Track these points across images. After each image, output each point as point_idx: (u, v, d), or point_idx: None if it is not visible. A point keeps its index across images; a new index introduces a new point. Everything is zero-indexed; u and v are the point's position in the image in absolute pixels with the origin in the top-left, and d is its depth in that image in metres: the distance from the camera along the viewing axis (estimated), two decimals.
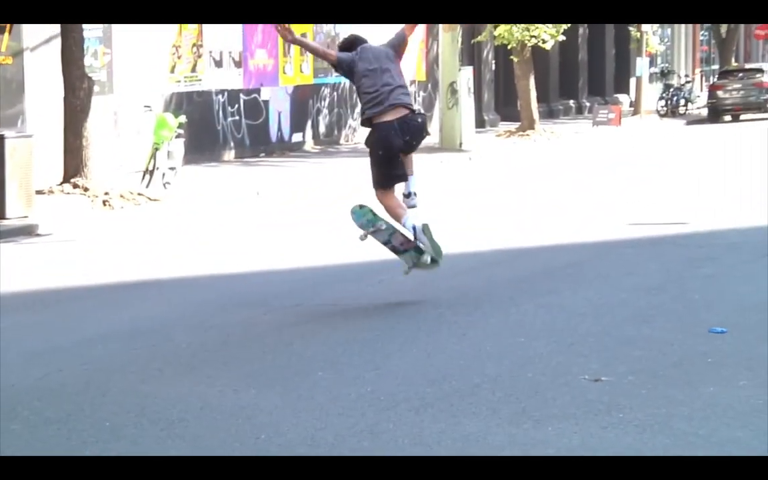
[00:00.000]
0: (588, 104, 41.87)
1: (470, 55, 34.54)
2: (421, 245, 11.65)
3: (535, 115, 32.88)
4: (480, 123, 34.00)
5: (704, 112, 40.99)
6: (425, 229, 11.50)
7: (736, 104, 39.63)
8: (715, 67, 47.07)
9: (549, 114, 39.18)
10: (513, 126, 33.63)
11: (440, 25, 29.66)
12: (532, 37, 31.65)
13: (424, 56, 33.84)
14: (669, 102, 41.25)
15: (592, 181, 22.75)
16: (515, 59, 32.61)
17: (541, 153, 29.50)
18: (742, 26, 49.01)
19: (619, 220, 16.75)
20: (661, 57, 46.99)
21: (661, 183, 21.87)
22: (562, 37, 32.91)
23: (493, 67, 37.34)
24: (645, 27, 38.83)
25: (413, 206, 11.73)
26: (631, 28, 40.59)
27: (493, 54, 36.89)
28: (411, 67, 33.33)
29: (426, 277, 12.63)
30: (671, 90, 41.85)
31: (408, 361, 9.26)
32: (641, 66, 39.60)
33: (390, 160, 11.59)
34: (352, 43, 12.10)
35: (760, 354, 9.20)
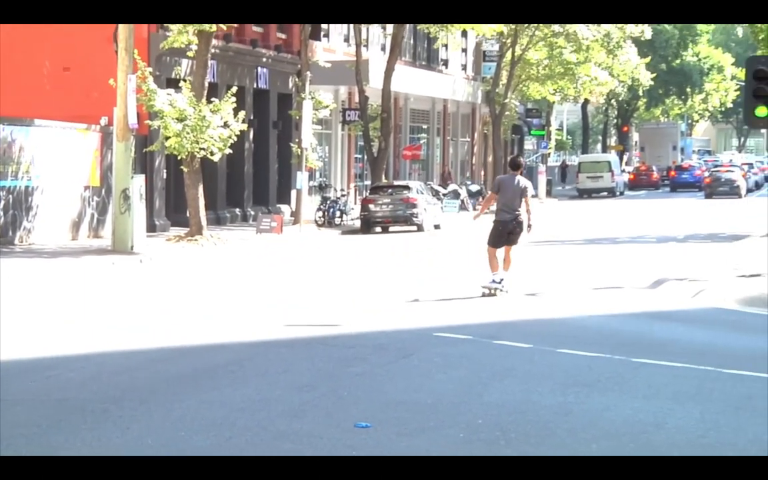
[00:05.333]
0: (253, 213, 42.12)
1: (143, 163, 34.25)
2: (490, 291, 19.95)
3: (203, 221, 32.83)
4: (151, 227, 33.65)
5: (357, 223, 41.93)
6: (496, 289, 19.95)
7: (386, 217, 40.71)
8: (368, 182, 48.34)
9: (216, 221, 39.21)
10: (183, 231, 33.45)
11: (114, 135, 29.34)
12: (201, 149, 31.70)
13: (99, 163, 33.34)
14: (326, 213, 42.02)
15: (254, 284, 22.88)
16: (185, 169, 32.58)
17: (208, 257, 29.49)
18: (392, 147, 50.57)
19: (278, 321, 16.85)
20: (319, 172, 47.90)
21: (315, 287, 22.18)
22: (228, 151, 33.11)
23: (165, 175, 37.15)
24: (305, 144, 39.55)
25: (497, 287, 19.93)
26: (292, 145, 41.25)
27: (164, 163, 36.73)
28: (85, 173, 32.78)
29: (91, 374, 12.41)
30: (328, 202, 42.66)
31: (71, 455, 9.01)
32: (301, 179, 40.23)
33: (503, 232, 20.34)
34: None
35: (399, 448, 9.44)
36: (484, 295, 19.91)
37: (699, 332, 16.91)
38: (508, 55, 60.50)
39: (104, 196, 33.27)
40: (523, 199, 20.25)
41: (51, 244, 30.02)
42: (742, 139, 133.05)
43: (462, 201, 52.13)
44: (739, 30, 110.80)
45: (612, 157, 79.84)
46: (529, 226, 20.46)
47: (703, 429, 10.23)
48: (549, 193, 67.33)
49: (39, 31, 35.47)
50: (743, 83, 24.27)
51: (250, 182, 43.49)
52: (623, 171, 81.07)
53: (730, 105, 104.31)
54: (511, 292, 20.11)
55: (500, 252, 20.39)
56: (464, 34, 60.06)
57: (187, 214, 33.55)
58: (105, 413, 10.57)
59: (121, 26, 29.04)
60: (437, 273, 24.99)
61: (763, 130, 28.12)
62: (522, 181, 20.57)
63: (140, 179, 29.77)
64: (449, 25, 49.56)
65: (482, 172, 69.11)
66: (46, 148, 31.12)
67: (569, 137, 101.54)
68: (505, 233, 20.32)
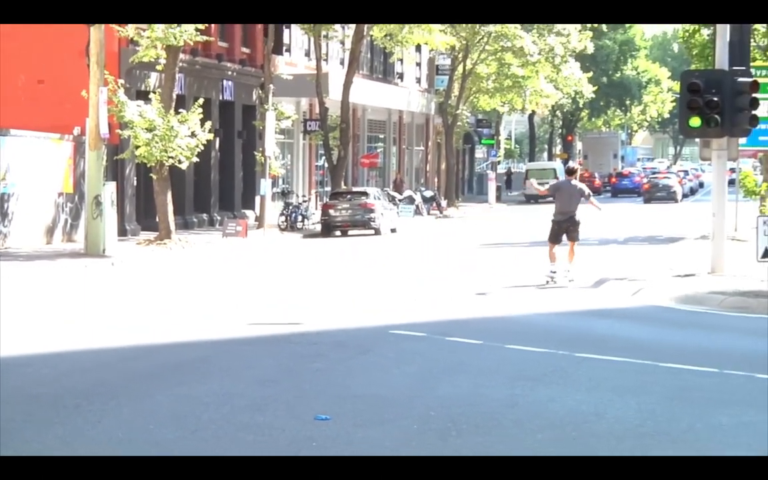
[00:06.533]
0: (219, 218, 41.95)
1: (114, 171, 34.04)
2: (549, 280, 21.79)
3: (172, 226, 32.67)
4: (122, 232, 33.44)
5: (318, 227, 41.86)
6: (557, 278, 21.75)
7: (345, 221, 40.68)
8: (328, 188, 48.28)
9: (184, 225, 39.01)
10: (152, 235, 33.28)
11: (86, 144, 29.17)
12: (169, 158, 31.57)
13: (72, 171, 33.11)
14: (289, 218, 41.92)
15: (220, 285, 22.80)
16: (154, 176, 32.43)
17: (176, 259, 29.35)
18: (350, 155, 50.50)
19: (242, 320, 16.80)
20: (282, 179, 47.78)
21: (278, 287, 22.13)
22: (196, 159, 32.99)
23: (135, 182, 36.94)
24: (268, 152, 39.43)
25: (553, 275, 21.80)
26: (256, 153, 41.13)
27: (134, 171, 36.54)
28: (59, 180, 32.56)
29: (65, 371, 12.33)
30: (290, 207, 42.55)
31: (45, 449, 8.94)
32: (265, 186, 40.09)
33: (559, 230, 22.19)
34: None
35: (358, 438, 9.45)
36: (547, 282, 21.69)
37: (637, 329, 17.02)
38: (460, 68, 60.70)
39: (77, 202, 33.07)
40: (582, 199, 22.28)
41: (26, 248, 29.78)
42: (678, 148, 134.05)
43: (417, 206, 52.18)
44: (675, 46, 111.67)
45: (557, 164, 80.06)
46: (599, 208, 23.42)
47: (640, 419, 10.29)
48: (498, 199, 67.55)
49: (14, 46, 35.24)
50: (678, 95, 24.44)
51: (216, 189, 43.38)
52: None
53: (666, 116, 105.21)
54: (577, 281, 21.79)
55: (560, 249, 22.36)
56: (418, 48, 60.16)
57: (157, 219, 33.42)
58: (77, 408, 10.50)
59: (92, 41, 28.91)
60: (397, 273, 25.01)
61: (697, 139, 28.41)
62: (578, 184, 22.48)
63: (111, 186, 29.61)
64: (404, 41, 49.68)
65: (436, 179, 69.21)
66: (21, 156, 30.90)
67: (517, 146, 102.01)
68: (562, 232, 22.21)
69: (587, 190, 22.64)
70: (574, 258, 22.26)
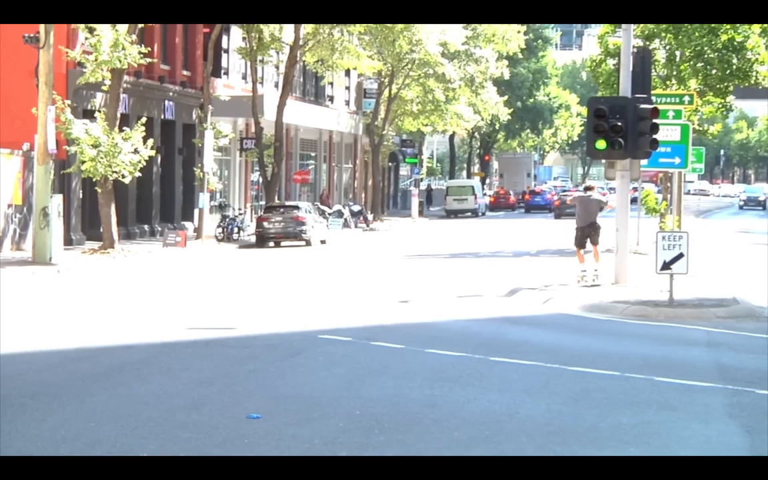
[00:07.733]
0: (160, 229, 41.53)
1: (61, 184, 33.59)
2: (581, 279, 23.09)
3: (115, 236, 32.35)
4: (68, 242, 33.01)
5: (253, 238, 41.66)
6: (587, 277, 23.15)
7: (278, 233, 40.50)
8: (263, 202, 48.05)
9: (127, 236, 38.61)
10: (96, 245, 32.90)
11: (35, 159, 28.79)
12: (113, 172, 31.26)
13: (21, 184, 32.62)
14: (225, 229, 41.66)
15: (160, 291, 22.60)
16: (99, 190, 32.10)
17: (119, 268, 29.06)
18: (284, 171, 50.34)
19: (180, 324, 16.67)
20: (219, 193, 47.47)
21: (214, 294, 21.99)
22: (138, 174, 32.70)
23: (81, 195, 36.50)
24: (207, 168, 39.23)
25: (584, 273, 23.18)
26: (195, 169, 40.83)
27: (80, 184, 36.11)
28: (9, 193, 32.06)
29: (12, 371, 12.15)
30: (227, 220, 42.30)
31: None
32: (203, 200, 39.86)
33: (582, 236, 23.69)
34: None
35: (287, 436, 9.42)
36: (578, 281, 23.14)
37: (547, 335, 17.16)
38: (386, 92, 60.86)
39: (26, 213, 32.60)
40: (600, 207, 24.06)
41: None
42: (586, 168, 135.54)
43: (345, 219, 52.15)
44: (583, 74, 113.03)
45: (475, 182, 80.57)
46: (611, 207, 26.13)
47: (548, 418, 10.39)
48: (421, 213, 67.73)
49: None
50: (586, 120, 24.77)
51: (157, 202, 43.01)
52: (485, 194, 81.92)
53: (575, 138, 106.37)
54: (601, 278, 23.07)
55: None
56: (347, 73, 60.24)
57: (101, 230, 33.08)
58: (22, 407, 10.36)
59: (41, 63, 28.56)
60: (326, 282, 24.97)
61: (603, 160, 28.80)
62: (595, 197, 24.34)
63: (58, 198, 29.28)
64: (334, 66, 49.75)
65: (363, 195, 69.23)
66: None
67: (438, 164, 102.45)
68: (585, 237, 23.80)
69: (604, 201, 24.65)
70: (599, 258, 23.72)
